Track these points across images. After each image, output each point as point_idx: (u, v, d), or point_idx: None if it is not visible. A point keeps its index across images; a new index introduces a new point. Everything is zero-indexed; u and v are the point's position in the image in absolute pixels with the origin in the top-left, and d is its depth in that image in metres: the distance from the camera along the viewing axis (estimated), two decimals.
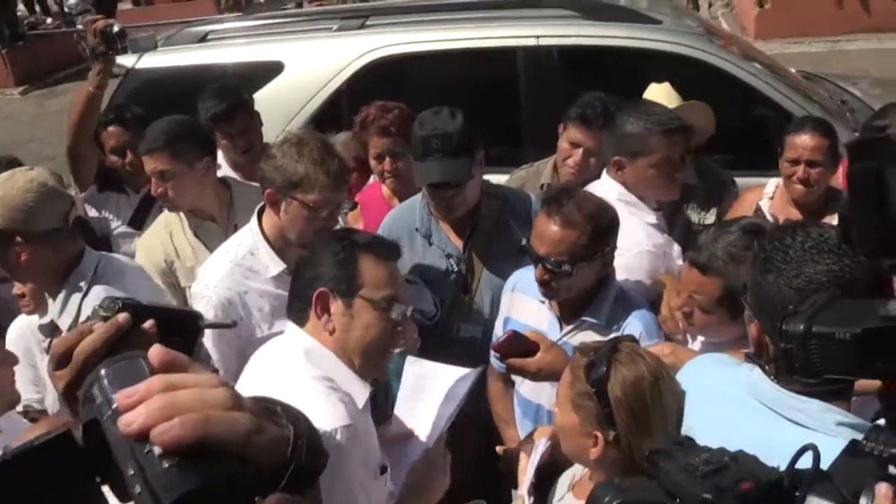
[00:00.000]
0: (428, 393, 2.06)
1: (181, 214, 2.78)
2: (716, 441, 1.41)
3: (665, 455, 1.02)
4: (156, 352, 0.64)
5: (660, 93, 3.19)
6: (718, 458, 0.98)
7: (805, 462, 0.96)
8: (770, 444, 1.29)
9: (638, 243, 2.44)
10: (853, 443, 1.02)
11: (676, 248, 2.60)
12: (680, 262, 2.53)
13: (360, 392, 1.71)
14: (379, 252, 1.77)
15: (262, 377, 1.78)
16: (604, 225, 2.14)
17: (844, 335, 1.00)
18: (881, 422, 1.03)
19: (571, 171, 2.98)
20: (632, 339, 1.76)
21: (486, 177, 2.67)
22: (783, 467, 0.97)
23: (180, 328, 1.13)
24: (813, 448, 0.95)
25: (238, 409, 0.61)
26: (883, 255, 1.00)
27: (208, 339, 2.31)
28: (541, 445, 1.92)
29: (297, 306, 1.78)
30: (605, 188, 2.59)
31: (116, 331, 1.03)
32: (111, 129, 3.38)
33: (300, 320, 1.77)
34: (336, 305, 1.72)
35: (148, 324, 1.06)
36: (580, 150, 2.94)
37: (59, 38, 11.73)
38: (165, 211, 2.87)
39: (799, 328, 1.05)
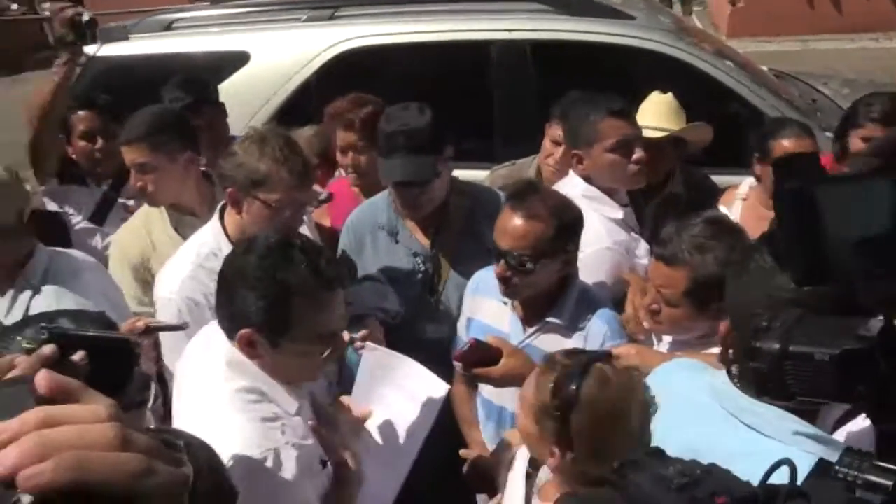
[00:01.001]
0: (388, 381, 2.03)
1: (161, 210, 2.68)
2: (675, 447, 1.39)
3: (634, 466, 0.97)
4: (42, 377, 0.56)
5: (661, 103, 3.10)
6: (691, 470, 0.93)
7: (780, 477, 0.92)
8: (726, 449, 1.26)
9: (597, 240, 2.39)
10: (823, 464, 0.99)
11: (644, 246, 2.57)
12: (646, 260, 2.50)
13: (290, 402, 1.67)
14: (316, 287, 1.60)
15: (186, 390, 1.73)
16: (568, 221, 2.11)
17: (823, 356, 0.96)
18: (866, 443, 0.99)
19: (552, 170, 2.96)
20: (607, 355, 1.69)
21: (456, 172, 2.62)
22: (736, 473, 0.94)
23: (114, 357, 1.05)
24: (789, 463, 0.91)
25: (126, 447, 0.54)
26: (811, 282, 0.93)
27: (168, 353, 2.24)
28: (521, 454, 1.86)
29: (225, 325, 1.68)
30: (570, 184, 2.57)
31: (42, 366, 0.93)
32: (82, 113, 3.27)
33: (229, 335, 1.68)
34: (261, 344, 1.62)
35: (78, 356, 0.98)
36: (561, 149, 2.92)
37: (25, 24, 11.43)
38: (145, 205, 2.77)
39: (774, 347, 1.01)
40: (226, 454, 1.50)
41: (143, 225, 2.69)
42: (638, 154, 2.51)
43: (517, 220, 2.08)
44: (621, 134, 2.50)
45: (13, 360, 0.94)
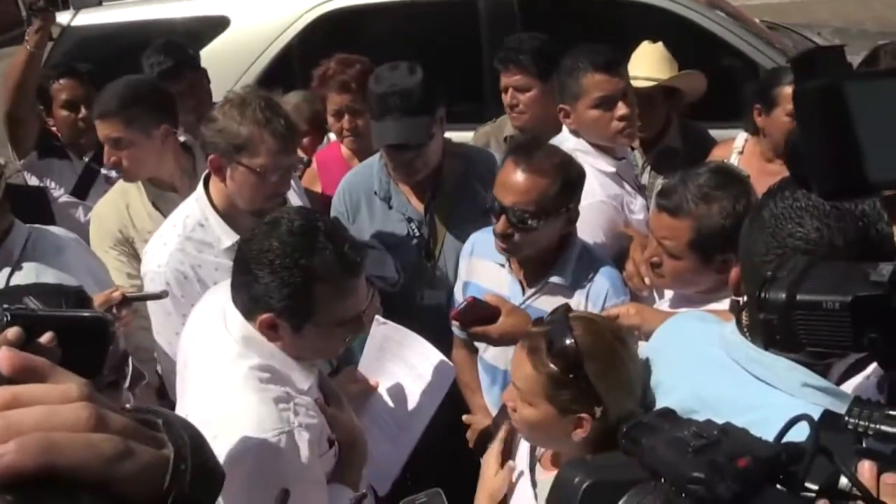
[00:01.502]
0: (397, 358, 2.01)
1: (139, 183, 2.58)
2: (684, 397, 1.37)
3: (646, 429, 0.91)
4: (4, 356, 0.52)
5: (651, 53, 3.03)
6: (707, 431, 0.88)
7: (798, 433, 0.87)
8: (733, 400, 1.24)
9: (590, 194, 2.28)
10: (829, 415, 0.94)
11: (640, 201, 2.52)
12: (642, 215, 2.46)
13: (304, 378, 1.65)
14: (342, 271, 1.57)
15: (194, 366, 1.69)
16: (572, 177, 2.05)
17: (833, 304, 0.92)
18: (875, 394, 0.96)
19: (515, 116, 2.91)
20: (566, 308, 1.62)
21: (447, 135, 2.55)
22: (742, 425, 0.89)
23: (87, 337, 0.99)
24: (808, 418, 0.86)
25: (100, 428, 0.50)
26: (843, 193, 0.83)
27: (160, 330, 2.20)
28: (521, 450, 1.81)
29: (243, 306, 1.63)
30: (563, 139, 2.50)
31: None
32: (63, 81, 3.18)
33: (247, 315, 1.63)
34: (284, 328, 1.60)
35: (46, 337, 0.91)
36: (511, 91, 2.88)
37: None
38: (118, 182, 2.67)
39: (781, 297, 0.97)
40: (238, 434, 1.48)
41: (122, 198, 2.59)
42: (622, 110, 2.40)
43: (521, 175, 2.00)
44: (604, 90, 2.40)
45: None
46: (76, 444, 0.48)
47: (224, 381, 1.59)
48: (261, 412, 1.53)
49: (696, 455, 0.83)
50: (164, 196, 2.56)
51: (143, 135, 2.46)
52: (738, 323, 1.30)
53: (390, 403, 1.98)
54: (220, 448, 1.47)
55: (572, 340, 1.45)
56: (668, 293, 2.12)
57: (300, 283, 1.54)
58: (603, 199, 2.36)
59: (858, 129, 0.75)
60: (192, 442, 0.56)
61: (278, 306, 1.56)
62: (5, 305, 0.93)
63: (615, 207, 2.40)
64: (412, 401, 1.94)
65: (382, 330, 1.99)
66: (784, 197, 1.23)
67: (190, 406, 1.64)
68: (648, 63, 2.97)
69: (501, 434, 1.75)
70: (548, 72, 2.74)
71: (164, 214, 2.50)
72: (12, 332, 0.89)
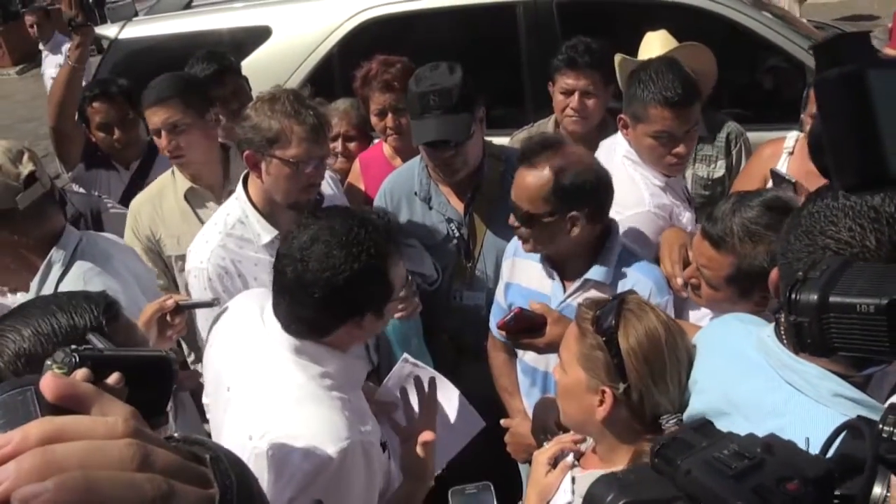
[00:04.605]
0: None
1: (175, 175, 2.68)
2: (718, 398, 1.32)
3: (680, 446, 0.82)
4: (49, 382, 0.50)
5: (656, 40, 3.04)
6: (750, 449, 0.79)
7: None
8: (765, 405, 1.21)
9: (639, 203, 2.29)
10: (861, 422, 0.88)
11: (688, 214, 2.45)
12: (689, 228, 2.39)
13: (359, 372, 1.66)
14: (394, 248, 1.63)
15: (248, 377, 1.65)
16: (565, 182, 1.99)
17: (867, 307, 0.85)
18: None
19: (574, 119, 2.87)
20: (630, 292, 1.65)
21: (488, 139, 2.53)
22: (769, 430, 0.82)
23: (153, 375, 0.96)
24: (864, 425, 0.79)
25: (144, 467, 0.48)
26: (864, 186, 0.78)
27: (197, 322, 2.23)
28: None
29: (324, 323, 1.60)
30: (615, 141, 2.48)
31: None
32: (96, 104, 3.23)
33: (322, 333, 1.62)
34: (369, 320, 1.62)
35: (113, 378, 0.89)
36: (575, 95, 2.84)
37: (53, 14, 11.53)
38: (160, 176, 2.77)
39: (812, 298, 0.91)
40: (303, 445, 1.46)
41: (158, 195, 2.70)
42: (680, 149, 2.35)
43: (521, 175, 2.06)
44: (668, 127, 2.32)
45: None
46: (118, 485, 0.46)
47: (283, 392, 1.57)
48: (333, 420, 1.51)
49: (737, 481, 0.75)
50: (195, 190, 2.66)
51: (199, 117, 2.59)
52: (777, 326, 1.27)
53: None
54: (285, 460, 1.46)
55: (616, 317, 1.50)
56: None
57: (375, 271, 1.58)
58: (652, 209, 2.32)
59: (881, 119, 0.70)
60: (239, 481, 0.54)
61: (366, 304, 1.59)
62: (73, 346, 0.90)
63: (664, 218, 2.35)
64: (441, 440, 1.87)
65: (409, 368, 1.91)
66: (824, 196, 1.19)
67: (240, 420, 1.60)
68: (649, 48, 2.98)
69: (558, 440, 1.74)
70: (609, 77, 2.75)
71: (193, 207, 2.63)
72: (81, 373, 0.87)
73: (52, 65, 7.05)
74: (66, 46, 7.12)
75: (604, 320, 1.51)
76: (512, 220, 2.09)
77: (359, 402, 1.64)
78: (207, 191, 2.67)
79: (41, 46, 7.42)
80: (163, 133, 2.58)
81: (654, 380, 1.47)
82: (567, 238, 2.05)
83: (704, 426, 0.87)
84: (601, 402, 1.51)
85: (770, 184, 2.47)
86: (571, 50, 2.87)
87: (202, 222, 2.60)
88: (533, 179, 2.03)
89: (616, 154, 2.46)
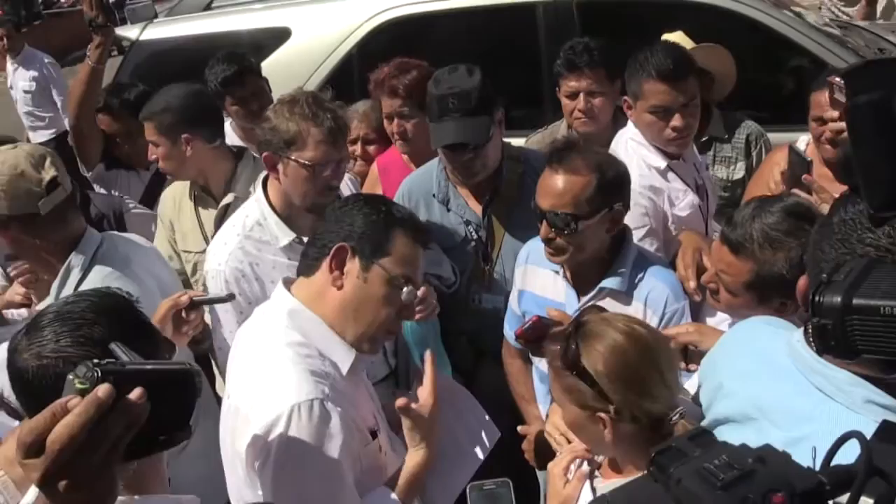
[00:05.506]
0: (443, 400, 1.88)
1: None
2: (743, 400, 1.30)
3: (675, 455, 0.84)
4: None
5: (673, 41, 2.99)
6: (741, 459, 0.80)
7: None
8: (792, 410, 1.19)
9: None
10: (888, 425, 0.87)
11: (689, 199, 2.45)
12: (686, 213, 2.43)
13: (345, 357, 1.64)
14: (414, 232, 1.70)
15: (244, 346, 1.74)
16: (611, 176, 1.99)
17: (891, 309, 0.86)
18: None
19: (583, 121, 2.85)
20: (599, 309, 1.66)
21: (506, 140, 2.52)
22: (799, 437, 0.82)
23: (176, 390, 0.96)
24: (859, 436, 0.79)
25: None
26: (893, 206, 0.81)
27: (212, 322, 2.25)
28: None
29: (313, 253, 1.70)
30: (627, 127, 2.52)
31: (97, 410, 0.86)
32: (101, 116, 3.27)
33: (309, 269, 1.69)
34: (352, 265, 1.64)
35: (136, 393, 0.88)
36: (580, 96, 2.82)
37: (75, 16, 11.62)
38: None
39: (836, 301, 0.91)
40: (276, 399, 1.53)
41: (181, 187, 2.80)
42: (676, 122, 2.39)
43: (556, 178, 1.99)
44: (662, 100, 2.38)
45: (66, 404, 0.87)
46: None
47: (267, 356, 1.63)
48: (300, 380, 1.55)
49: (725, 490, 0.77)
50: (203, 196, 2.74)
51: (169, 140, 2.63)
52: (806, 332, 1.24)
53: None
54: (259, 417, 1.52)
55: (574, 343, 1.49)
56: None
57: (382, 221, 1.67)
58: (636, 188, 2.28)
59: None
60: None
61: (357, 233, 1.64)
62: (95, 361, 0.90)
63: (648, 198, 2.38)
64: (460, 450, 1.89)
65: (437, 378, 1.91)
66: (855, 202, 1.16)
67: (235, 384, 1.68)
68: None
69: (569, 449, 1.73)
70: (616, 76, 2.73)
71: (197, 209, 2.73)
72: (103, 389, 0.87)
73: (23, 78, 6.98)
74: (46, 59, 7.11)
75: (568, 351, 1.50)
76: (545, 231, 2.02)
77: (340, 381, 1.63)
78: (209, 197, 2.72)
79: (8, 60, 7.18)
80: (149, 145, 2.71)
81: (637, 393, 1.45)
82: (603, 239, 2.03)
83: (700, 436, 0.88)
84: (604, 426, 1.49)
85: (781, 188, 2.46)
86: (569, 52, 2.85)
87: (202, 222, 2.70)
88: (575, 180, 1.97)
89: (622, 137, 2.52)
